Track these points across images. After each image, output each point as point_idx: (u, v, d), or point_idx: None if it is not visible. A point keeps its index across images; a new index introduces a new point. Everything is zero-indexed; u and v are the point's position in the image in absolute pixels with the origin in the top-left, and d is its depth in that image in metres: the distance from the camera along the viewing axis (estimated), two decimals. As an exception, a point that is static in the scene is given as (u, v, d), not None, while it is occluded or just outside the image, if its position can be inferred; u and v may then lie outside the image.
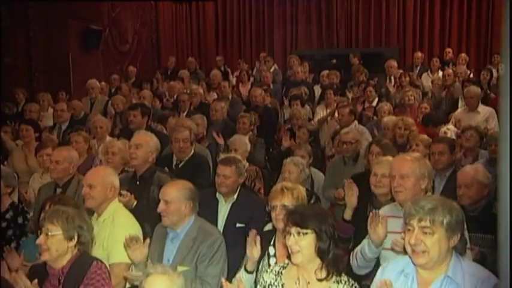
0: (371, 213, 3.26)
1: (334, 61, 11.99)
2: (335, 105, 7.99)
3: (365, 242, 3.35)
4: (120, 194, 3.97)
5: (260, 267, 3.31)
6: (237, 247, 3.71)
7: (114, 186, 3.86)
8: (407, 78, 9.25)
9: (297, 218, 2.70)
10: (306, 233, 2.67)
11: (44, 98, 8.88)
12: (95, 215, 3.87)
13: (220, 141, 6.52)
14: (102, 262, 3.15)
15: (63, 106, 7.98)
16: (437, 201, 2.53)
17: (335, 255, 2.71)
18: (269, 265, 3.27)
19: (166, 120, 7.38)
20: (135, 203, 4.14)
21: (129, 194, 4.09)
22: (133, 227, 3.74)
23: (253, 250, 3.24)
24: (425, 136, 5.79)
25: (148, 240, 3.47)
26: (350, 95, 8.57)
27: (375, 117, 7.60)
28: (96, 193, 3.78)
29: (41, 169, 5.66)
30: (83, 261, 3.05)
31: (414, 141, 5.94)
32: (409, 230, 2.52)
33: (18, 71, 10.32)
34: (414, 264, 2.56)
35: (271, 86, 10.21)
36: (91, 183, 3.80)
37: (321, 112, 8.29)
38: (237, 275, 3.23)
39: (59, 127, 7.76)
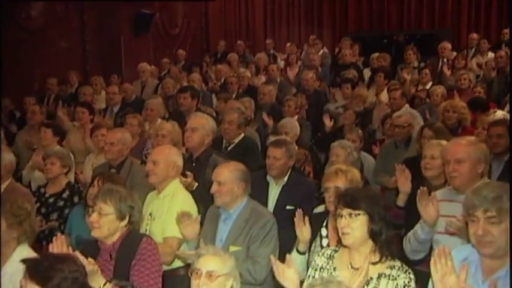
0: (419, 191, 3.19)
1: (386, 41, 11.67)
2: (386, 88, 7.84)
3: (418, 224, 3.29)
4: (184, 175, 4.04)
5: (312, 248, 3.32)
6: (287, 229, 3.71)
7: (177, 165, 3.95)
8: (463, 61, 8.96)
9: (348, 199, 2.67)
10: (358, 214, 2.65)
11: (97, 81, 9.11)
12: (155, 191, 3.97)
13: (270, 122, 6.52)
14: (151, 238, 3.22)
15: (115, 89, 8.16)
16: (499, 189, 2.44)
17: (388, 237, 2.67)
18: (321, 246, 3.28)
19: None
20: (196, 185, 4.22)
21: (191, 175, 4.17)
22: (191, 206, 3.83)
23: (303, 230, 3.25)
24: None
25: (199, 217, 3.56)
26: (408, 77, 8.35)
27: (427, 100, 7.42)
28: (159, 170, 3.87)
29: (96, 150, 5.82)
30: (133, 238, 3.12)
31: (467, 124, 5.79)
32: (473, 221, 2.43)
33: (73, 54, 10.61)
34: (480, 253, 2.49)
35: (320, 69, 10.13)
36: (155, 160, 3.91)
37: (372, 95, 8.15)
38: (288, 255, 3.25)
39: (111, 109, 7.96)
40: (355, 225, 2.65)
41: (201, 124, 4.75)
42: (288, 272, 2.63)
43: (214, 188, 3.59)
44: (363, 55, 10.92)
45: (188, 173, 4.17)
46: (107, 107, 8.11)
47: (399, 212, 3.80)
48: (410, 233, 3.38)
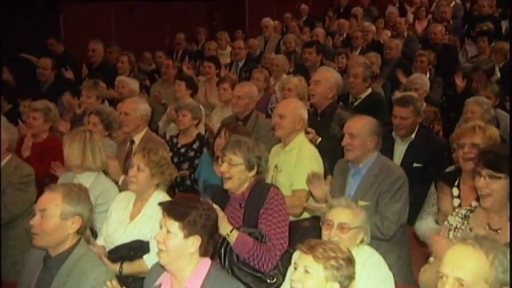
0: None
1: None
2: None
3: None
4: (305, 132, 4.07)
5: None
6: (413, 188, 3.62)
7: (303, 119, 3.96)
8: None
9: (491, 159, 2.52)
10: (499, 177, 2.50)
11: (222, 37, 9.31)
12: (281, 144, 4.03)
13: (403, 79, 6.33)
14: (278, 188, 3.27)
15: (241, 44, 8.32)
16: None
17: None
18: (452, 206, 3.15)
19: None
20: (319, 140, 4.22)
21: (313, 130, 4.18)
22: (317, 160, 3.85)
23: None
24: None
25: (330, 178, 3.55)
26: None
27: None
28: (286, 123, 3.91)
29: (221, 103, 6.01)
30: (261, 187, 3.20)
31: None
32: None
33: (199, 10, 10.90)
34: None
35: (451, 22, 9.54)
36: (281, 114, 3.94)
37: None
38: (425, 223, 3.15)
39: (236, 64, 8.12)
40: (494, 187, 2.50)
41: (325, 77, 4.70)
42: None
43: (346, 140, 3.54)
44: (500, 6, 10.07)
45: (309, 129, 4.16)
46: (232, 62, 8.30)
47: None
48: None
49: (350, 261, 2.24)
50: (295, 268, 2.28)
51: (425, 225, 3.24)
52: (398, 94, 5.09)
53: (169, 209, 2.39)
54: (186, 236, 2.34)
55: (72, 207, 2.57)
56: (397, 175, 3.49)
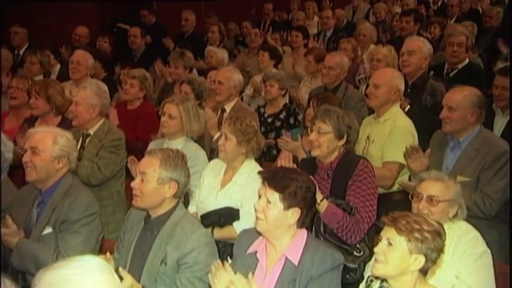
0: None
1: None
2: None
3: None
4: None
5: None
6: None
7: (399, 90, 3.86)
8: None
9: None
10: None
11: (309, 6, 9.18)
12: (374, 115, 3.95)
13: (504, 49, 5.99)
14: (367, 160, 3.19)
15: (329, 13, 8.16)
16: None
17: None
18: None
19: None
20: (408, 107, 4.11)
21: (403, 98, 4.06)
22: (412, 133, 3.73)
23: None
24: None
25: (429, 151, 3.43)
26: None
27: None
28: (380, 93, 3.82)
29: (308, 74, 5.94)
30: (350, 158, 3.14)
31: None
32: None
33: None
34: None
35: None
36: (376, 83, 3.85)
37: None
38: None
39: (324, 34, 7.99)
40: None
41: (418, 47, 4.54)
42: None
43: (444, 113, 3.41)
44: None
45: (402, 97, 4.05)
46: (320, 32, 8.17)
47: None
48: None
49: (438, 233, 2.15)
50: (380, 240, 2.24)
51: None
52: (500, 64, 4.82)
53: (270, 180, 2.40)
54: (286, 208, 2.35)
55: (169, 173, 2.64)
56: (501, 150, 3.31)
